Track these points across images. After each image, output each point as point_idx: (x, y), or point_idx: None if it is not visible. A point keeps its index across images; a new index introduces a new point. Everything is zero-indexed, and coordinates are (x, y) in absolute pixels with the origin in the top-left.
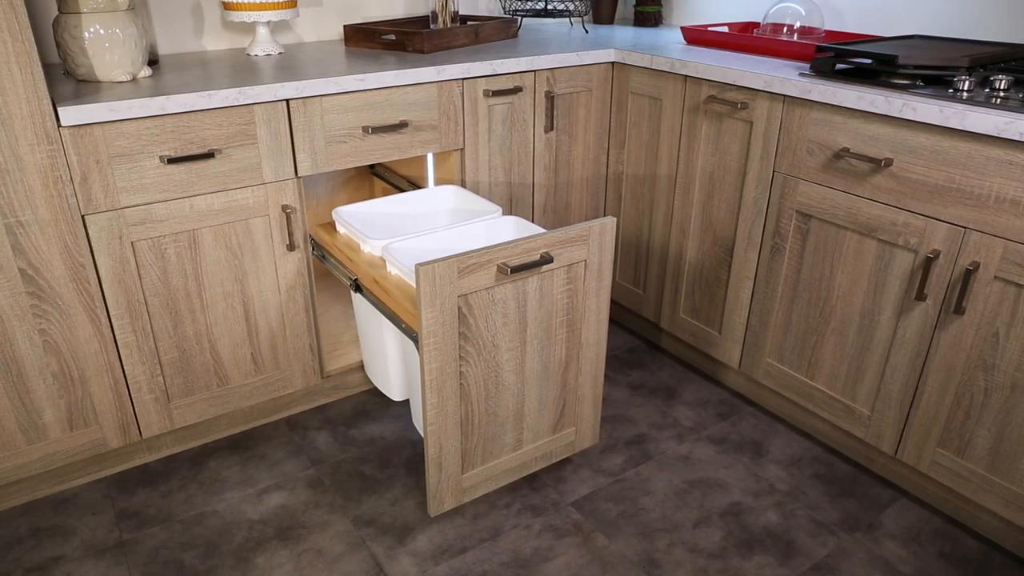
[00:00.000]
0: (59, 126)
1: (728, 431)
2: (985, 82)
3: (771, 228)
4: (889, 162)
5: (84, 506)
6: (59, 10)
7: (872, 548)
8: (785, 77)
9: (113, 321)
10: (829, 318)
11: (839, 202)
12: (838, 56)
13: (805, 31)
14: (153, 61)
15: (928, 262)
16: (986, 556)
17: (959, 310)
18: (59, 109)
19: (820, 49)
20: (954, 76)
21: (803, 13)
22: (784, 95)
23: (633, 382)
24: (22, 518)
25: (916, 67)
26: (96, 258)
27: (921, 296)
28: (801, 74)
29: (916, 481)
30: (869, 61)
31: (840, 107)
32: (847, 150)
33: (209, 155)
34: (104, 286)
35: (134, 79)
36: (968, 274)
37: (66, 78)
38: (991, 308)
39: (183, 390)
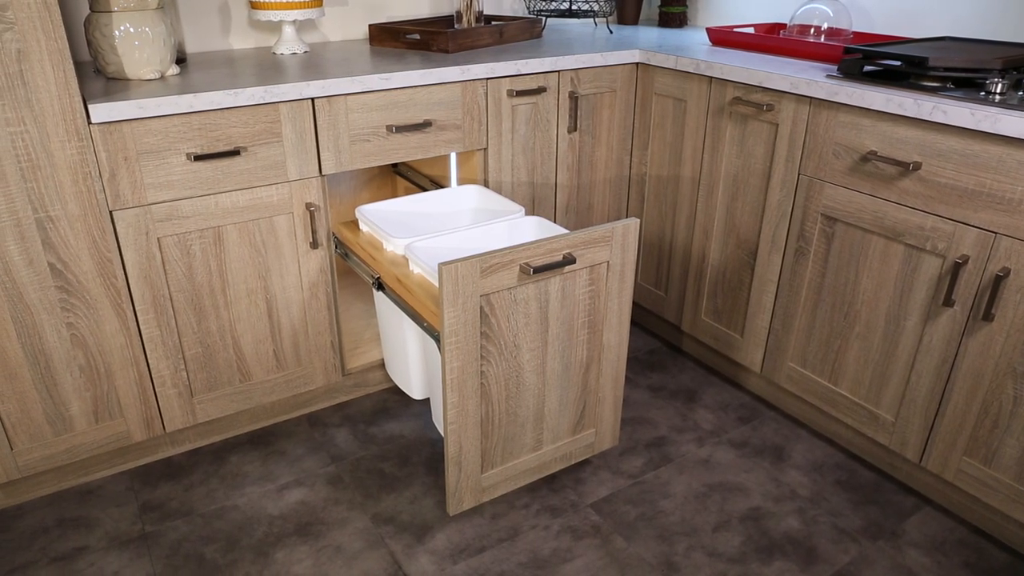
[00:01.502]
0: (89, 123)
1: (749, 435)
2: (1019, 84)
3: (795, 231)
4: (917, 165)
5: (108, 498)
6: (90, 9)
7: (895, 556)
8: (812, 79)
9: (139, 316)
10: (853, 323)
11: (865, 205)
12: (866, 58)
13: (832, 32)
14: (181, 59)
15: (956, 267)
16: (1013, 567)
17: (988, 317)
18: (89, 106)
19: (848, 51)
20: (986, 78)
21: (830, 14)
22: (811, 97)
23: (654, 384)
24: (48, 508)
25: (947, 69)
26: (123, 253)
27: (949, 302)
28: (828, 76)
29: (941, 489)
30: (898, 63)
31: (868, 109)
32: (874, 153)
33: (235, 153)
34: (130, 281)
35: (162, 77)
36: (998, 280)
37: (96, 76)
38: (1022, 315)
39: (206, 385)
